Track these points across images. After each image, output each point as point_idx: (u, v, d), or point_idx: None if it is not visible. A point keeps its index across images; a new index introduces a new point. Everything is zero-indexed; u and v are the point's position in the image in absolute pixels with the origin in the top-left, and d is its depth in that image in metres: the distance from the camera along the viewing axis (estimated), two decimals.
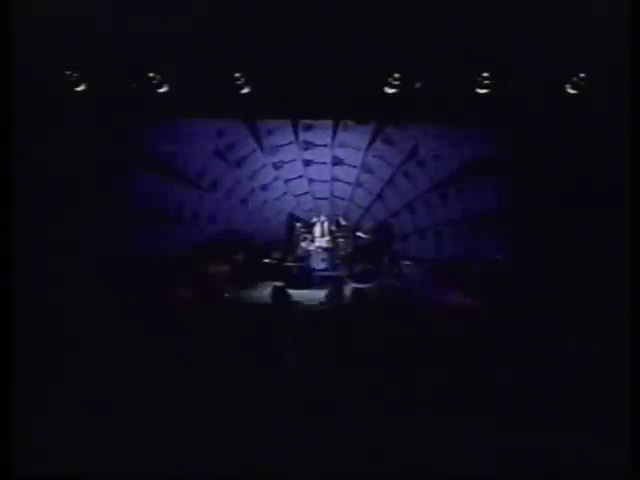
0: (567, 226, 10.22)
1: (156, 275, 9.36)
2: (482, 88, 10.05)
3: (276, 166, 11.69)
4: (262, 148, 11.62)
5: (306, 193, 11.75)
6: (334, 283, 9.59)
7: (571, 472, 4.84)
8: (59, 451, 4.86)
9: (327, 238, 11.12)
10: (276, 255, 10.88)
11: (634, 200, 5.35)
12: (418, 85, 10.16)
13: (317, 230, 11.24)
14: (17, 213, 5.49)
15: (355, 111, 11.17)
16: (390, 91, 10.16)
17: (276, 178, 11.71)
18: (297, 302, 8.77)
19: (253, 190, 11.70)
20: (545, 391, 5.83)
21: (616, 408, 5.20)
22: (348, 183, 11.72)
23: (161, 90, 10.10)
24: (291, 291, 9.10)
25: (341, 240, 11.17)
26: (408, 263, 10.92)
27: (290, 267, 10.65)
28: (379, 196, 11.71)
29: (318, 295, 9.30)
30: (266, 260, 10.77)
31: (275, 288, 9.07)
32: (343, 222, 11.41)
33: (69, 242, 9.64)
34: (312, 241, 11.12)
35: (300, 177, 11.73)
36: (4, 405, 4.70)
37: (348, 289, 9.43)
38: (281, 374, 6.41)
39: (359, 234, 11.33)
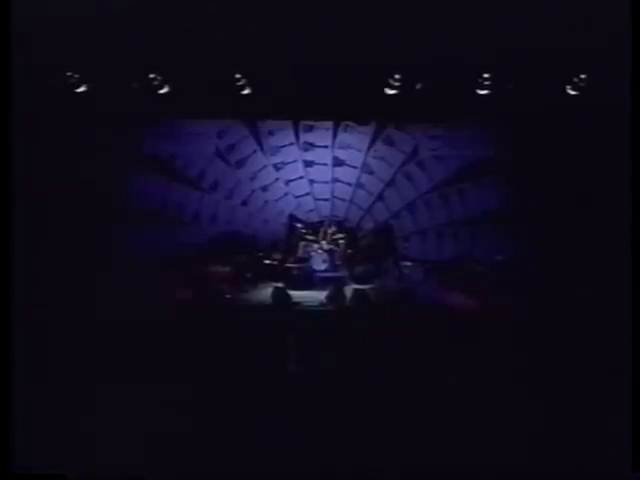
0: (567, 226, 10.22)
1: (157, 276, 9.36)
2: (482, 89, 10.05)
3: (277, 167, 11.68)
4: (263, 149, 11.61)
5: (307, 194, 11.74)
6: (335, 284, 9.58)
7: (572, 474, 4.84)
8: (57, 451, 4.87)
9: (328, 239, 11.10)
10: (277, 256, 10.86)
11: (635, 200, 5.34)
12: (418, 86, 10.17)
13: (318, 231, 11.24)
14: (16, 213, 5.48)
15: (356, 112, 11.16)
16: (391, 92, 10.17)
17: (277, 179, 11.70)
18: (298, 303, 8.79)
19: (254, 191, 11.69)
20: (545, 391, 5.83)
21: (617, 409, 5.20)
22: (349, 184, 11.71)
23: (162, 91, 10.11)
24: (292, 292, 9.13)
25: (342, 241, 11.15)
26: (409, 264, 10.90)
27: (291, 268, 10.64)
28: (380, 197, 11.69)
29: (319, 296, 9.30)
30: (267, 261, 10.76)
31: (276, 289, 9.10)
32: (344, 223, 11.40)
33: (69, 243, 9.64)
34: (313, 242, 11.10)
35: (301, 178, 11.72)
36: (2, 405, 4.70)
37: (349, 290, 9.43)
38: (282, 375, 6.41)
39: (360, 235, 11.33)
